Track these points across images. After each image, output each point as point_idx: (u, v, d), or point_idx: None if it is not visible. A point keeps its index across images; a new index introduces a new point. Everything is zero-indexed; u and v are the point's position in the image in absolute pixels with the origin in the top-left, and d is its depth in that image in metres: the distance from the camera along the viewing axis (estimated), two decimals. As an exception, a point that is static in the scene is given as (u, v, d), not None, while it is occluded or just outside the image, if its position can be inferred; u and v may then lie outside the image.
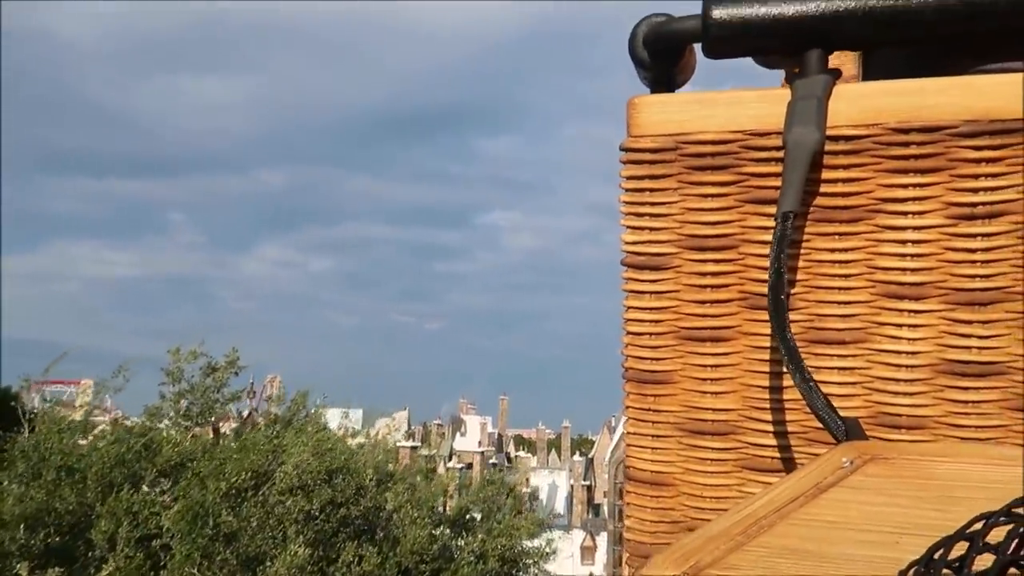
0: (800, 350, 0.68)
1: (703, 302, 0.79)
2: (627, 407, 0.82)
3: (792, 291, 0.75)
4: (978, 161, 0.71)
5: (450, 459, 53.44)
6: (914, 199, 0.73)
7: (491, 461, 59.35)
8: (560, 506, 60.43)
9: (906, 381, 0.73)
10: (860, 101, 0.74)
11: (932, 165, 0.72)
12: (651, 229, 0.80)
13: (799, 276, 0.76)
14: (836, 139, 0.74)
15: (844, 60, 0.90)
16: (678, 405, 0.80)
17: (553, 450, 79.49)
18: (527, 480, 55.23)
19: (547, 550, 14.35)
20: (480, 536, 12.83)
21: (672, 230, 0.80)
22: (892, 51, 0.89)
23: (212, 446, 11.33)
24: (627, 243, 0.81)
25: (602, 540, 42.97)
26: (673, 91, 0.86)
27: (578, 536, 44.39)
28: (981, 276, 0.71)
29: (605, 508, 44.58)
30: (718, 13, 0.77)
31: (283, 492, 9.59)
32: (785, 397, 0.76)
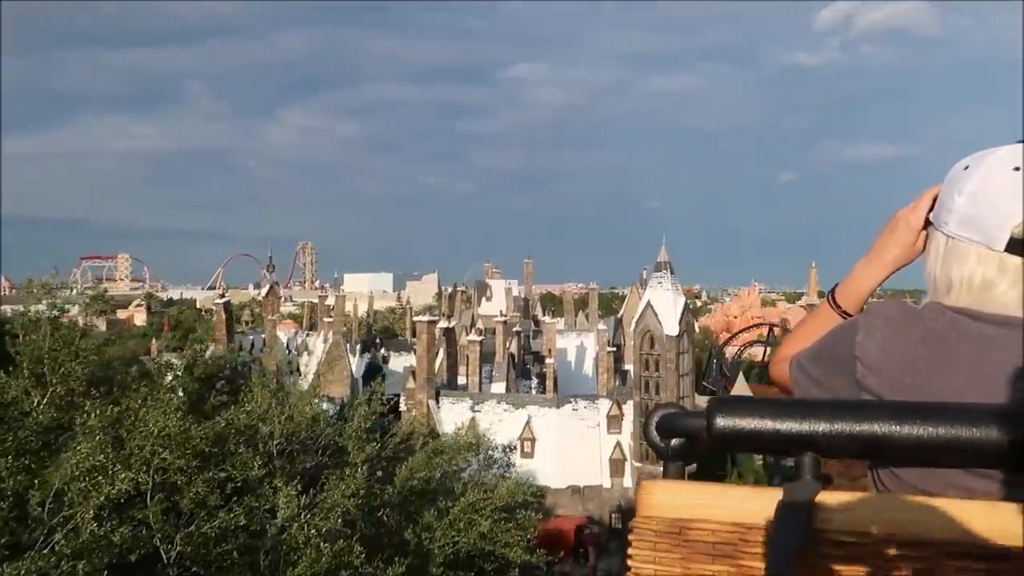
0: None
1: None
2: None
3: None
4: None
5: (471, 329, 52.00)
6: None
7: (515, 329, 57.79)
8: (588, 368, 59.27)
9: None
10: (846, 511, 0.80)
11: None
12: None
13: None
14: (823, 542, 0.79)
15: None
16: None
17: (581, 312, 77.91)
18: (550, 351, 53.80)
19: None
20: (423, 522, 10.50)
21: None
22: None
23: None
24: None
25: (629, 409, 41.48)
26: (688, 461, 0.98)
27: (604, 405, 43.00)
28: None
29: (632, 375, 42.81)
30: (720, 423, 0.88)
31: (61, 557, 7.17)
32: None
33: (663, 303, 38.23)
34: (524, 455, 43.09)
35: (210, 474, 8.77)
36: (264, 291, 69.89)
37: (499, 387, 50.91)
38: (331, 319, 59.63)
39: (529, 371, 57.62)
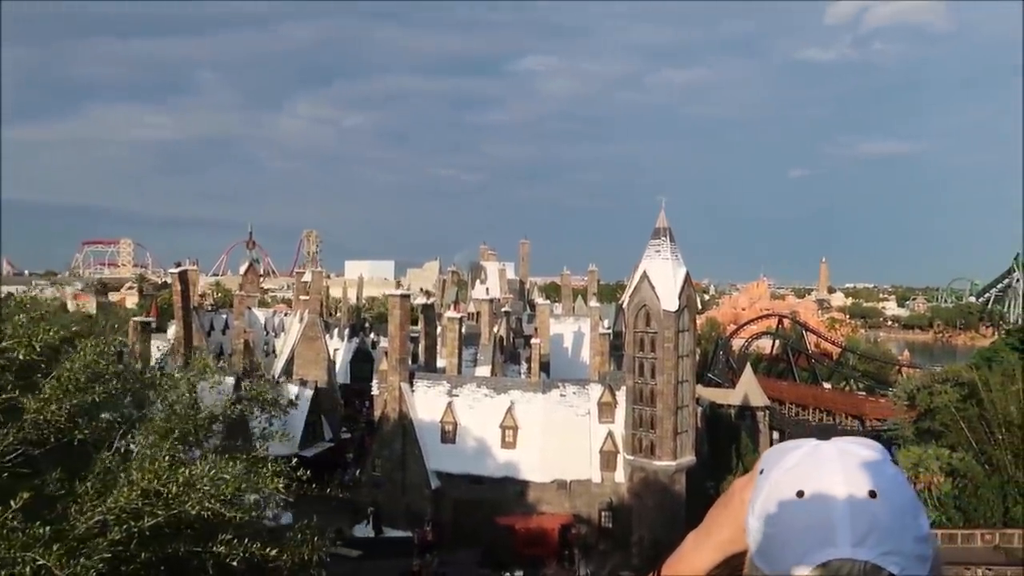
0: None
1: None
2: None
3: None
4: None
5: (453, 306, 47.62)
6: None
7: (504, 309, 53.53)
8: (586, 356, 55.00)
9: None
10: None
11: None
12: None
13: None
14: None
15: None
16: None
17: (580, 297, 73.61)
18: (536, 330, 49.59)
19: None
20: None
21: None
22: None
23: None
24: None
25: (622, 396, 37.15)
26: None
27: (595, 391, 38.67)
28: None
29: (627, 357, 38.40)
30: None
31: None
32: None
33: (661, 273, 33.78)
34: (505, 445, 38.89)
35: None
36: (243, 268, 65.73)
37: (484, 371, 46.69)
38: (307, 297, 55.46)
39: (519, 356, 53.41)
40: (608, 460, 37.71)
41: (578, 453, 37.83)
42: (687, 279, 34.66)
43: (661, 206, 35.37)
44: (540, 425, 38.47)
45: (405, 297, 39.64)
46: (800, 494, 1.02)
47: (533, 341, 44.08)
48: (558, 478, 37.93)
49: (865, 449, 1.08)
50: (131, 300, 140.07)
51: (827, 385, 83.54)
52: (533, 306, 64.78)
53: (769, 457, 1.12)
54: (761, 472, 1.11)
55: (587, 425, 38.42)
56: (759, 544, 1.06)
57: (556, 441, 37.84)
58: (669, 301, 33.49)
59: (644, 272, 33.92)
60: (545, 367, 48.73)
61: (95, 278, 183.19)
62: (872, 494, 1.00)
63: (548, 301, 58.95)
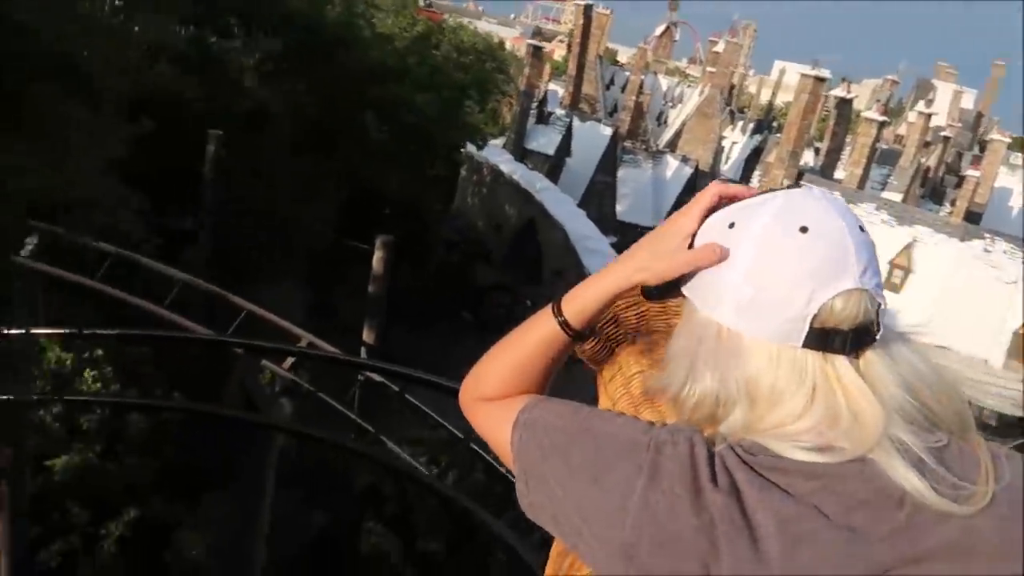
0: None
1: None
2: None
3: None
4: None
5: (878, 106, 38.45)
6: None
7: (943, 134, 42.89)
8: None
9: None
10: None
11: None
12: None
13: None
14: None
15: None
16: None
17: (1054, 149, 57.64)
18: (976, 162, 38.64)
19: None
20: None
21: None
22: None
23: None
24: None
25: (1076, 273, 27.50)
26: None
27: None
28: None
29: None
30: None
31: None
32: None
33: None
34: (890, 286, 31.83)
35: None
36: (659, 29, 61.38)
37: (893, 198, 38.44)
38: (713, 70, 49.83)
39: (943, 194, 43.32)
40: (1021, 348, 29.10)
41: (982, 325, 29.68)
42: None
43: None
44: (943, 276, 30.61)
45: (820, 80, 32.36)
46: (804, 230, 0.92)
47: (970, 173, 34.42)
48: (945, 347, 30.42)
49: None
50: (559, 53, 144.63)
51: None
52: (983, 145, 51.88)
53: (736, 211, 0.96)
54: (731, 226, 0.95)
55: (1008, 295, 29.74)
56: (742, 301, 0.93)
57: (957, 301, 29.93)
58: None
59: None
60: (973, 218, 38.75)
61: (534, 26, 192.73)
62: (861, 228, 0.95)
63: (1009, 144, 46.32)
